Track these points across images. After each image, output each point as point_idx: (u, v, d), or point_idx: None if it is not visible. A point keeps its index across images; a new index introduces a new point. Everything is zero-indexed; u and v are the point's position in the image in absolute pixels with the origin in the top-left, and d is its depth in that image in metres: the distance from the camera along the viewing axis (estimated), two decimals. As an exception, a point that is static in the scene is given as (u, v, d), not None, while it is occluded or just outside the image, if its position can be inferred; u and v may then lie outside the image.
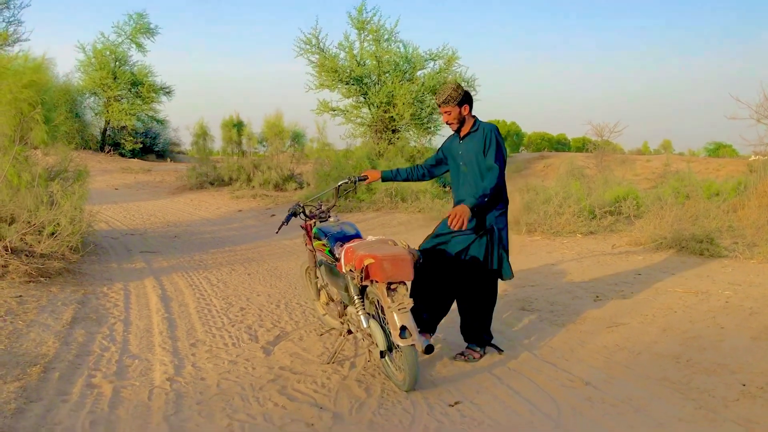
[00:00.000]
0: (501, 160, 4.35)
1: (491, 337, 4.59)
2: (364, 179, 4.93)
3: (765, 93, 12.74)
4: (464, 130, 4.53)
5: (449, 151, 4.67)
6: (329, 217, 4.84)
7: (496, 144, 4.37)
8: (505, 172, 4.47)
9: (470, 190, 4.40)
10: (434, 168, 4.85)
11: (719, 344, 4.58)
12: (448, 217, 4.17)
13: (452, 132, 4.64)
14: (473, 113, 4.52)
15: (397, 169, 4.94)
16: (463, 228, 4.12)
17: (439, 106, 4.47)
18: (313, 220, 4.89)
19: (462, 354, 4.45)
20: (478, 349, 4.47)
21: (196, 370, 4.22)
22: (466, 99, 4.43)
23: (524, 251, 8.53)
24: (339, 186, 5.03)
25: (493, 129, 4.45)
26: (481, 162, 4.41)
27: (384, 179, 4.91)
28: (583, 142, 35.63)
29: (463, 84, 18.64)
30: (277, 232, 5.15)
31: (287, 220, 4.80)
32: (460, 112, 4.43)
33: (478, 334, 4.50)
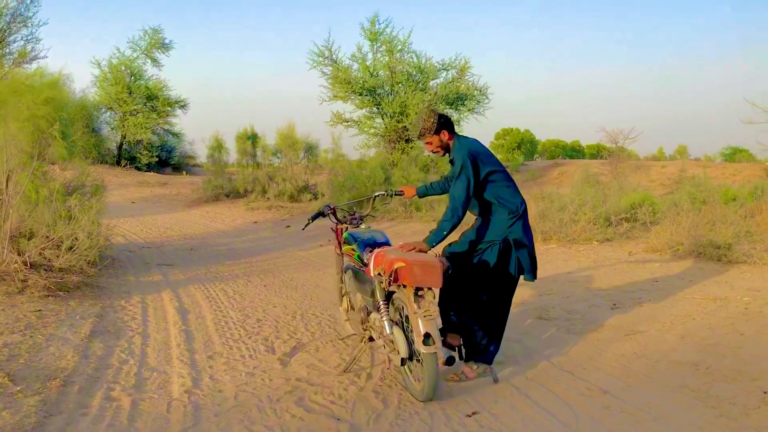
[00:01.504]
0: (462, 189, 4.15)
1: (496, 353, 4.38)
2: (401, 194, 4.91)
3: (781, 97, 12.63)
4: (451, 154, 4.42)
5: None
6: (361, 223, 4.87)
7: (461, 171, 4.17)
8: (511, 179, 4.39)
9: (481, 209, 4.38)
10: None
11: (739, 351, 4.53)
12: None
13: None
14: (456, 131, 4.41)
15: (431, 184, 4.87)
16: None
17: (418, 139, 4.39)
18: (344, 225, 4.92)
19: (455, 374, 4.27)
20: (476, 366, 4.29)
21: (213, 382, 4.24)
22: (442, 125, 4.29)
23: (540, 259, 8.43)
24: (375, 196, 5.07)
25: (461, 152, 4.23)
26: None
27: (420, 195, 4.88)
28: (597, 148, 35.49)
29: (476, 93, 18.79)
30: (303, 229, 5.20)
31: (313, 218, 4.86)
32: (440, 139, 4.32)
33: (485, 349, 4.31)
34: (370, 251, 4.25)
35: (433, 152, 4.41)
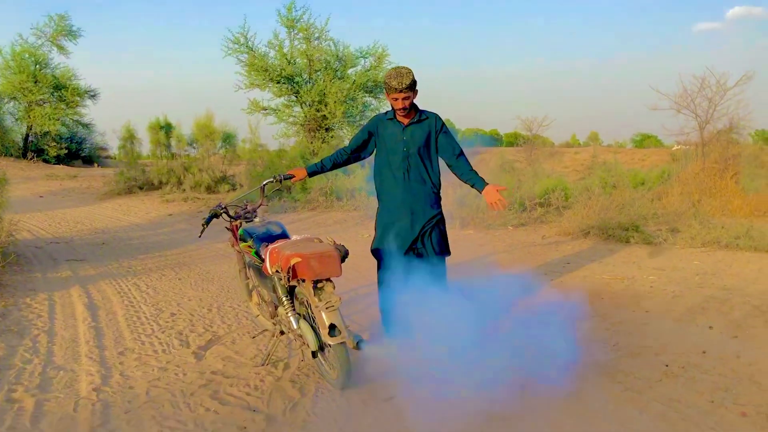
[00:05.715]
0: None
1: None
2: (290, 178, 4.68)
3: (684, 84, 13.25)
4: (410, 117, 4.45)
5: (382, 136, 4.53)
6: (255, 217, 4.70)
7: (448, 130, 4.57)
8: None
9: (416, 175, 4.47)
10: (361, 151, 4.68)
11: (644, 328, 4.73)
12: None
13: (391, 117, 4.49)
14: None
15: (321, 161, 4.72)
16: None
17: (399, 91, 4.25)
18: (239, 221, 4.75)
19: None
20: None
21: (124, 378, 4.10)
22: (416, 84, 4.35)
23: (457, 245, 8.60)
24: (264, 185, 4.82)
25: (440, 117, 4.56)
26: (422, 150, 4.47)
27: (311, 175, 4.70)
28: (515, 136, 36.33)
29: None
30: (200, 236, 4.99)
31: (207, 222, 4.55)
32: (412, 98, 4.36)
33: None
34: (266, 246, 4.15)
35: (403, 108, 4.35)
